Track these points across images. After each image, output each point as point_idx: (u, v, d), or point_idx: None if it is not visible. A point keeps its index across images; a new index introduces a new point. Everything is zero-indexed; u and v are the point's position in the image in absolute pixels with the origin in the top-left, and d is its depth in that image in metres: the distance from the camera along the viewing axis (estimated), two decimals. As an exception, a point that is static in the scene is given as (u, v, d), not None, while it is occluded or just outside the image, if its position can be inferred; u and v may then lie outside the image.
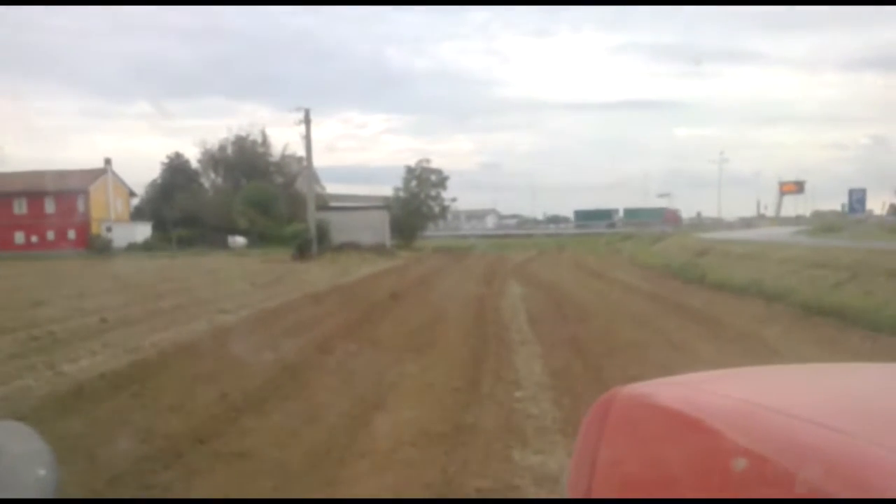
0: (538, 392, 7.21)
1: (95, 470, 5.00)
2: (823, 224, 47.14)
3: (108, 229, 54.52)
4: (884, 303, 11.00)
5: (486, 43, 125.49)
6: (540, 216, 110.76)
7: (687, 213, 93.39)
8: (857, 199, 45.07)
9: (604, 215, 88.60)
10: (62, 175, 51.08)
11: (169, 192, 60.68)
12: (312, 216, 38.39)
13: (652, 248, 37.43)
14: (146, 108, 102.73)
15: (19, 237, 53.52)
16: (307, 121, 37.98)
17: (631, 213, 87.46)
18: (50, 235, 52.94)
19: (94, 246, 51.49)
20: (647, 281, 20.60)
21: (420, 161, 53.82)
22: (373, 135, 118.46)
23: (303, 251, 36.70)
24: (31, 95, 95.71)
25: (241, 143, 64.99)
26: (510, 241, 60.41)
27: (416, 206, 52.54)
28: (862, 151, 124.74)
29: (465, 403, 6.79)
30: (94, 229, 53.82)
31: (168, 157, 64.78)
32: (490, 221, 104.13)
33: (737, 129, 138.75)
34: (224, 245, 53.74)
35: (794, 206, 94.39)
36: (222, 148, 65.09)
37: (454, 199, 56.63)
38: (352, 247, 39.33)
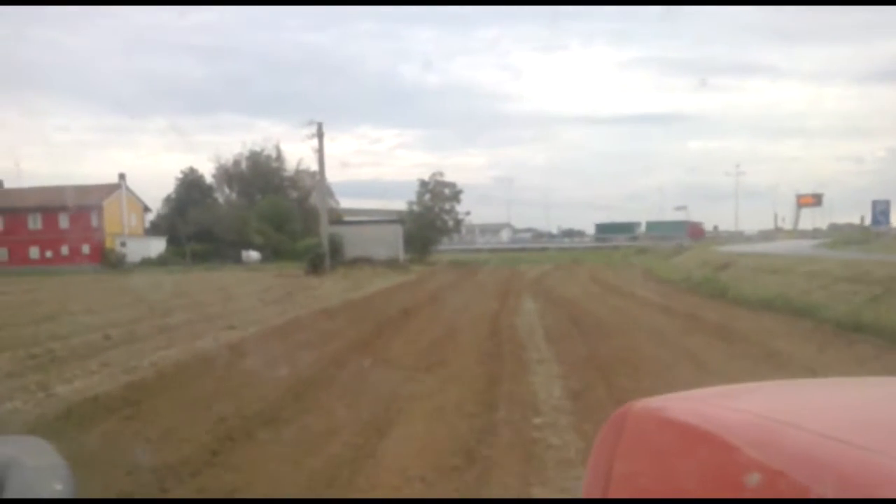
0: (559, 418, 6.65)
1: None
2: (846, 236, 46.11)
3: (123, 244, 54.52)
4: (925, 319, 10.35)
5: (497, 58, 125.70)
6: (554, 230, 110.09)
7: (703, 226, 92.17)
8: (880, 210, 43.87)
9: (626, 228, 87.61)
10: (76, 190, 51.19)
11: (183, 207, 60.70)
12: (325, 231, 38.04)
13: (670, 261, 36.71)
14: (162, 124, 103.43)
15: (34, 252, 53.64)
16: (320, 135, 37.73)
17: (653, 227, 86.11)
18: (64, 250, 52.98)
19: (108, 261, 51.47)
20: (667, 296, 19.94)
21: (433, 175, 53.44)
22: (386, 150, 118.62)
23: (315, 266, 36.31)
24: (48, 112, 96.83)
25: (255, 158, 65.06)
26: (525, 255, 59.79)
27: (429, 219, 52.08)
28: (879, 164, 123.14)
29: (480, 430, 6.24)
30: (109, 244, 53.83)
31: (182, 172, 64.89)
32: (504, 235, 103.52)
33: (751, 142, 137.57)
34: (238, 260, 53.49)
35: (811, 219, 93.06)
36: (237, 163, 65.24)
37: (468, 213, 56.21)
38: (365, 261, 38.94)
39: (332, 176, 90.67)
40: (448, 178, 54.04)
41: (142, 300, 22.58)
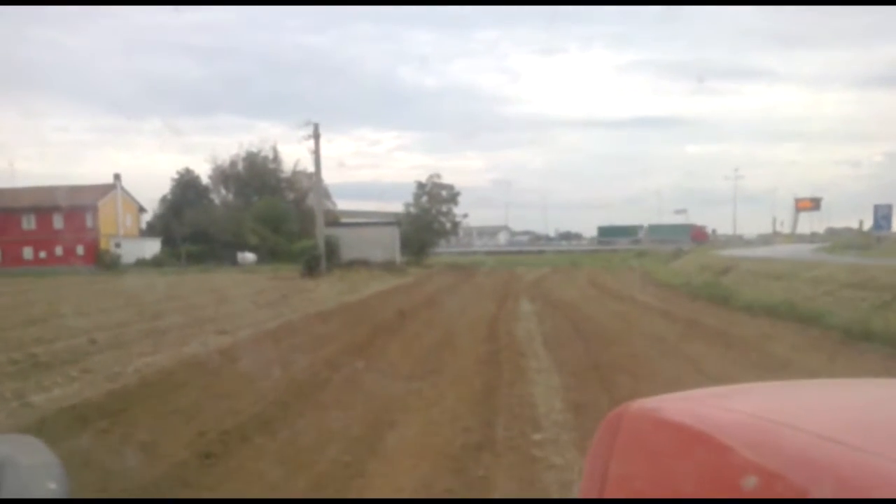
0: (560, 433, 6.26)
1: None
2: (847, 240, 45.60)
3: (117, 245, 54.02)
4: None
5: (496, 61, 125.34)
6: (552, 233, 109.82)
7: (707, 230, 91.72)
8: (882, 215, 43.44)
9: (628, 231, 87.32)
10: (70, 190, 50.67)
11: (179, 208, 60.22)
12: (321, 232, 37.60)
13: (669, 265, 36.37)
14: (160, 125, 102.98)
15: (28, 253, 53.11)
16: (316, 135, 37.30)
17: (656, 230, 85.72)
18: (58, 251, 52.46)
19: (103, 262, 50.95)
20: (668, 301, 19.56)
21: (431, 177, 52.99)
22: (385, 151, 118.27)
23: (311, 268, 35.86)
24: (44, 112, 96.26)
25: (252, 158, 64.53)
26: (522, 257, 59.42)
27: (426, 222, 51.63)
28: (876, 169, 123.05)
29: (477, 448, 5.84)
30: (103, 245, 53.31)
31: (178, 172, 64.38)
32: (502, 238, 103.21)
33: (749, 145, 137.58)
34: (233, 261, 53.03)
35: (809, 223, 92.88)
36: (233, 164, 64.67)
37: (465, 215, 55.78)
38: (361, 263, 38.51)
39: (331, 178, 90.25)
40: (446, 180, 53.65)
41: (133, 302, 22.17)
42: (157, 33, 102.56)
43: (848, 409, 1.10)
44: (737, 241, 79.90)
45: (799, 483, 0.79)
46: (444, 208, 52.60)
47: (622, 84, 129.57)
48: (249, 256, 53.75)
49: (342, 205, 62.32)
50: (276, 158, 64.66)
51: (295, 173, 63.29)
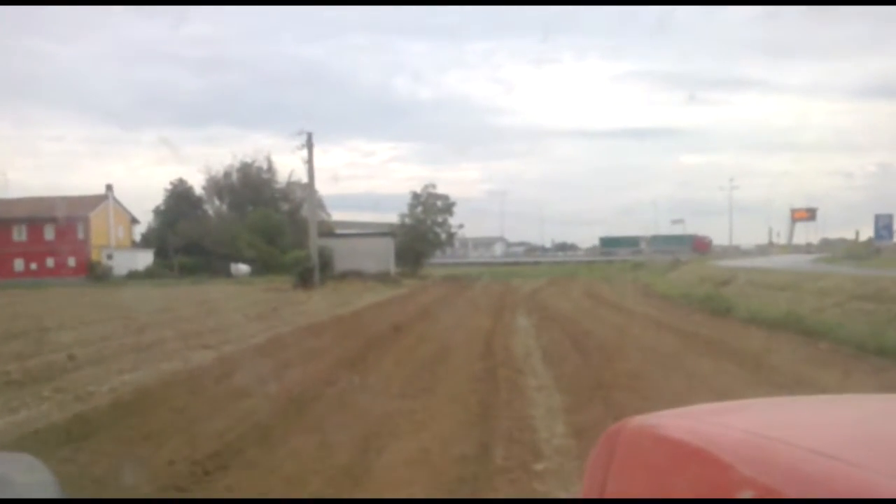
0: (564, 463, 5.71)
1: None
2: (848, 250, 45.10)
3: (109, 256, 53.32)
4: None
5: (490, 72, 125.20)
6: (548, 244, 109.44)
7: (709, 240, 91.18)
8: (883, 224, 43.04)
9: (630, 242, 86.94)
10: (62, 201, 49.98)
11: (172, 219, 59.60)
12: (315, 243, 37.01)
13: (667, 276, 35.91)
14: (154, 136, 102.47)
15: (19, 264, 52.36)
16: (309, 145, 36.82)
17: (658, 241, 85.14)
18: (49, 263, 51.76)
19: (95, 273, 50.30)
20: (668, 313, 19.04)
21: (426, 187, 52.49)
22: (380, 163, 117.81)
23: (304, 280, 35.27)
24: (37, 122, 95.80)
25: (245, 169, 63.94)
26: (518, 269, 58.90)
27: (421, 232, 51.09)
28: (870, 180, 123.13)
29: (472, 480, 5.30)
30: (95, 256, 52.62)
31: (172, 183, 63.75)
32: (498, 249, 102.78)
33: (743, 156, 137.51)
34: (227, 273, 52.41)
35: (804, 234, 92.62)
36: (227, 174, 64.06)
37: (461, 226, 55.27)
38: (355, 275, 37.95)
39: (326, 189, 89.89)
40: (442, 191, 53.20)
41: (120, 315, 21.59)
42: (152, 44, 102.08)
43: (843, 425, 1.11)
44: (734, 251, 79.52)
45: (795, 499, 0.79)
46: (440, 219, 52.09)
47: (616, 95, 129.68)
48: (243, 268, 53.12)
49: (337, 216, 61.78)
50: (270, 169, 64.14)
51: (289, 184, 62.74)
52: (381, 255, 41.42)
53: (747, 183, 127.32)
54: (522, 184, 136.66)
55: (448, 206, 52.02)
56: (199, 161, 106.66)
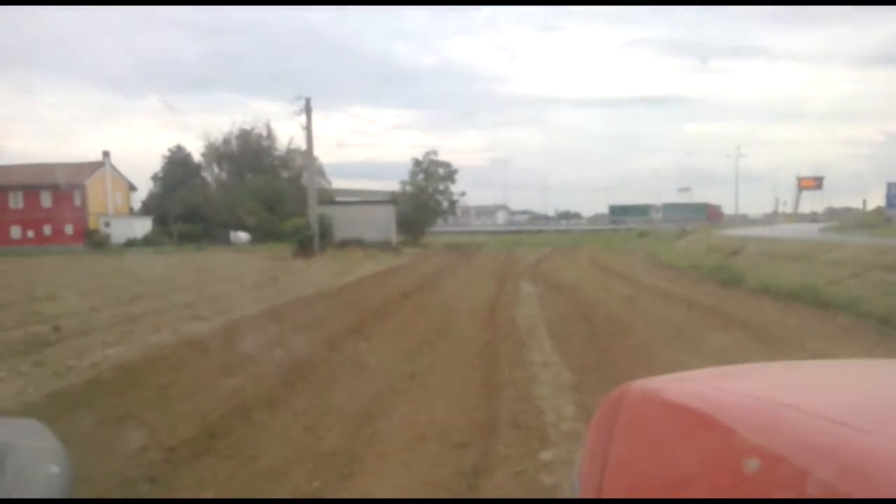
0: (575, 451, 5.16)
1: None
2: (859, 219, 44.31)
3: (107, 224, 52.77)
4: None
5: (493, 38, 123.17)
6: (551, 212, 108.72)
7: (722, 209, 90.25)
8: (895, 193, 42.31)
9: (641, 210, 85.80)
10: (58, 168, 49.27)
11: (170, 187, 58.91)
12: (314, 211, 36.36)
13: (674, 245, 35.30)
14: (154, 102, 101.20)
15: (15, 232, 51.86)
16: (308, 110, 35.94)
17: (670, 209, 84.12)
18: (46, 230, 51.29)
19: (92, 241, 49.84)
20: (677, 284, 18.47)
21: (428, 154, 51.65)
22: (383, 130, 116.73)
23: (304, 248, 34.72)
24: (35, 89, 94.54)
25: (245, 136, 63.08)
26: (521, 237, 58.31)
27: (423, 200, 50.39)
28: (876, 148, 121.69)
29: (472, 472, 4.77)
30: (92, 224, 52.07)
31: (170, 150, 62.92)
32: (500, 217, 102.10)
33: (749, 125, 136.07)
34: (226, 241, 51.90)
35: (810, 203, 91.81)
36: (226, 141, 63.22)
37: (463, 194, 54.60)
38: (356, 243, 37.41)
39: (328, 157, 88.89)
40: (445, 159, 52.37)
41: (113, 284, 21.10)
42: (154, 9, 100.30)
43: (849, 391, 1.06)
44: (741, 220, 78.82)
45: (801, 465, 0.77)
46: (442, 186, 51.37)
47: (621, 62, 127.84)
48: (243, 236, 52.64)
49: (338, 184, 61.02)
50: (269, 136, 63.30)
51: (289, 151, 61.91)
52: (382, 224, 40.81)
53: (754, 152, 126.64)
54: (526, 152, 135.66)
55: (450, 174, 51.26)
56: (200, 128, 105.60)
